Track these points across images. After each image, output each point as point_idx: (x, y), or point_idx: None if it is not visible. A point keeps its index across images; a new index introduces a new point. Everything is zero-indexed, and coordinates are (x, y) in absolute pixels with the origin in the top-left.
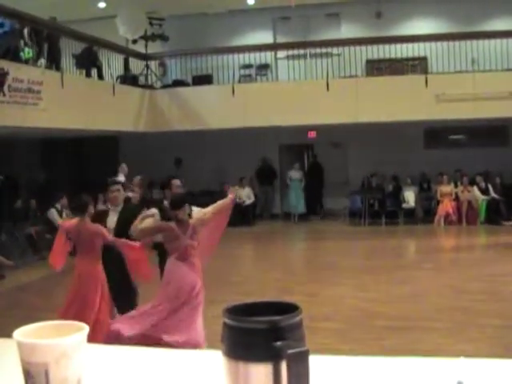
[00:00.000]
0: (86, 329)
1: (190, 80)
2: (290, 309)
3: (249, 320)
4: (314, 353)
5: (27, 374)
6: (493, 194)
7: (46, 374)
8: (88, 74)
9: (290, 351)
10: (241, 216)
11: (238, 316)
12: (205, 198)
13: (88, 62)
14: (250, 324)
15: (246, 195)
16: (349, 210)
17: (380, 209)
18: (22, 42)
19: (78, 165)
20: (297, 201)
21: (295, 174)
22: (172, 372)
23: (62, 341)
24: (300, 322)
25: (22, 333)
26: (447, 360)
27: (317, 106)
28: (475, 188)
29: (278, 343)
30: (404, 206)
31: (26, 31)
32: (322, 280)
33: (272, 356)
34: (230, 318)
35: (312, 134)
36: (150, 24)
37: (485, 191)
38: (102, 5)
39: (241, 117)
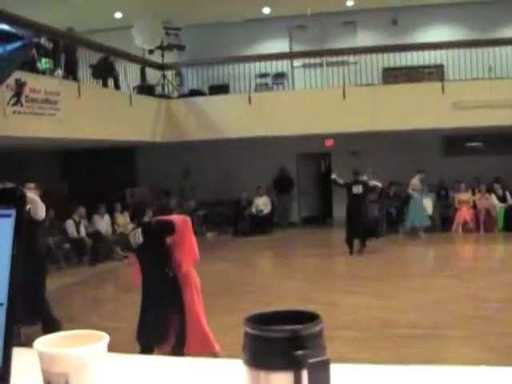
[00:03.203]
0: (106, 338)
1: (206, 89)
2: (310, 317)
3: (270, 329)
4: (333, 361)
5: None
6: (510, 202)
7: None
8: (105, 84)
9: (311, 360)
10: (258, 225)
11: (258, 325)
12: (220, 208)
13: (105, 72)
14: (271, 333)
15: (264, 204)
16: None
17: (398, 217)
18: (36, 52)
19: (96, 176)
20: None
21: None
22: (193, 382)
23: (82, 350)
24: (321, 331)
25: (42, 342)
26: (467, 368)
27: (333, 115)
28: (493, 195)
29: (299, 352)
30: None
31: (42, 42)
32: (340, 288)
33: (293, 365)
34: (251, 327)
35: (329, 143)
36: (167, 34)
37: (502, 199)
38: (118, 15)
39: (257, 126)
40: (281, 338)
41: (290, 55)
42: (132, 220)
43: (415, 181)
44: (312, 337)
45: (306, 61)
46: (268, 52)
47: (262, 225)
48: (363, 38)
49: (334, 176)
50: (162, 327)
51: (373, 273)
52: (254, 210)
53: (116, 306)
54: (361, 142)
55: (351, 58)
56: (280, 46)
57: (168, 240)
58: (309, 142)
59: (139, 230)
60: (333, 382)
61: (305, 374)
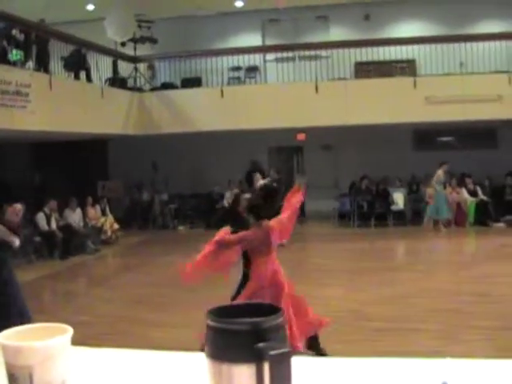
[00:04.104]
0: (70, 331)
1: (178, 82)
2: (272, 310)
3: (232, 322)
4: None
5: (11, 377)
6: (481, 196)
7: (31, 376)
8: (77, 77)
9: (272, 352)
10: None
11: (220, 318)
12: (193, 201)
13: (77, 64)
14: (233, 326)
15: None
16: (338, 212)
17: (369, 211)
18: (7, 44)
19: (68, 168)
20: None
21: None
22: (162, 375)
23: (46, 343)
24: (282, 324)
25: (6, 335)
26: (433, 360)
27: (306, 109)
28: (464, 190)
29: (261, 345)
30: (393, 207)
31: (14, 33)
32: (312, 281)
33: (255, 357)
34: (213, 320)
35: (301, 137)
36: (139, 26)
37: (473, 193)
38: (90, 7)
39: (230, 119)
40: (242, 331)
41: (262, 49)
42: None
43: (440, 173)
44: (273, 329)
45: (279, 55)
46: (241, 46)
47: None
48: (336, 33)
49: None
50: None
51: (344, 266)
52: (225, 203)
53: (88, 300)
54: (333, 136)
55: (324, 53)
56: (253, 39)
57: None
58: (281, 136)
59: None
60: (298, 374)
61: (266, 366)
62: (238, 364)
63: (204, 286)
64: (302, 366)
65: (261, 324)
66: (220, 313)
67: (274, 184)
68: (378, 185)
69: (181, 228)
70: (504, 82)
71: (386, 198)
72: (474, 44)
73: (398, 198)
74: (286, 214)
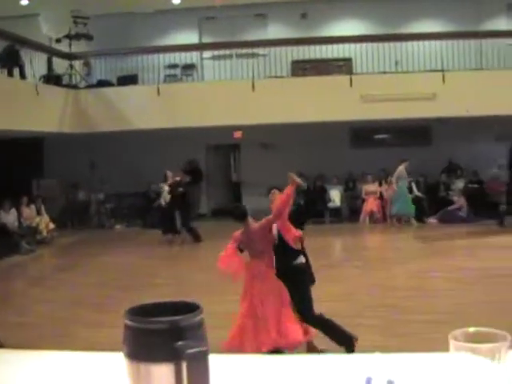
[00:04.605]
0: None
1: (114, 80)
2: (191, 308)
3: (149, 321)
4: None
5: None
6: (416, 193)
7: None
8: (10, 74)
9: (189, 351)
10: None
11: (138, 317)
12: (129, 199)
13: (10, 60)
14: (150, 325)
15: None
16: None
17: (306, 208)
18: None
19: (2, 167)
20: None
21: None
22: (102, 377)
23: None
24: (201, 322)
25: None
26: (362, 355)
27: (243, 107)
28: None
29: (179, 343)
30: (330, 205)
31: None
32: None
33: (173, 356)
34: (131, 319)
35: (238, 135)
36: (75, 23)
37: (409, 190)
38: (24, 2)
39: (166, 117)
40: (160, 330)
41: (199, 46)
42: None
43: (402, 169)
44: (192, 328)
45: (216, 52)
46: (177, 43)
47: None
48: (274, 31)
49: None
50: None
51: None
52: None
53: (26, 301)
54: (270, 134)
55: (261, 51)
56: (190, 37)
57: None
58: (218, 134)
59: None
60: (219, 371)
61: (185, 365)
62: (156, 363)
63: (143, 286)
64: (219, 364)
65: (179, 322)
66: (138, 312)
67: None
68: (314, 182)
69: (117, 227)
70: (438, 80)
71: (323, 195)
72: (410, 43)
73: (335, 196)
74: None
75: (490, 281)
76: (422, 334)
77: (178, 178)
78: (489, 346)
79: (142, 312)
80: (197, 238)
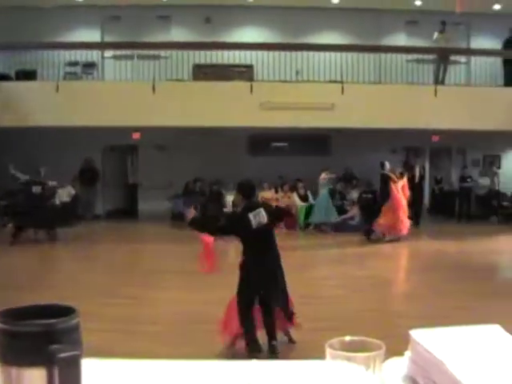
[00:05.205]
0: None
1: (13, 74)
2: (66, 312)
3: (21, 323)
4: (131, 356)
5: None
6: (312, 201)
7: None
8: None
9: (61, 355)
10: (62, 216)
11: (9, 319)
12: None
13: None
14: (23, 328)
15: (67, 195)
16: (172, 214)
17: (202, 213)
18: None
19: None
20: None
21: None
22: None
23: None
24: (76, 326)
25: None
26: (238, 362)
27: (142, 108)
28: (295, 194)
29: (52, 347)
30: (226, 210)
31: None
32: (147, 284)
33: (45, 360)
34: (2, 322)
35: (136, 136)
36: None
37: (304, 198)
38: None
39: (65, 115)
40: (32, 333)
41: (100, 45)
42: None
43: (323, 177)
44: (66, 331)
45: (118, 52)
46: (79, 40)
47: (65, 216)
48: (177, 34)
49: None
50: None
51: (179, 267)
52: (57, 200)
53: None
54: (169, 136)
55: (163, 53)
56: (92, 35)
57: None
58: (117, 135)
59: (262, 210)
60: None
61: (57, 369)
62: (28, 368)
63: (45, 288)
64: (92, 369)
65: (53, 326)
66: (11, 314)
67: None
68: (211, 187)
69: (10, 225)
70: (337, 91)
71: (220, 200)
72: (311, 53)
73: (230, 202)
74: None
75: (374, 289)
76: (315, 341)
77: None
78: (364, 355)
79: (15, 314)
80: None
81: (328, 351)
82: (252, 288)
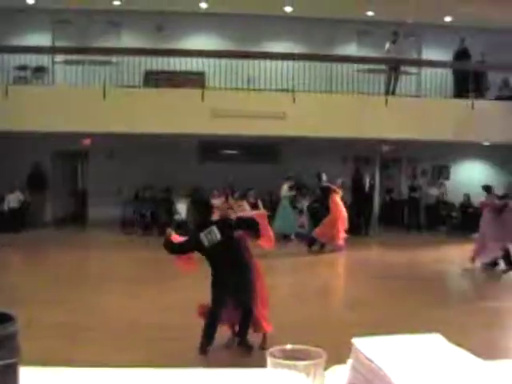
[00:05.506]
0: None
1: None
2: (5, 319)
3: None
4: (72, 364)
5: None
6: (262, 210)
7: None
8: None
9: None
10: (10, 223)
11: None
12: None
13: None
14: None
15: (16, 200)
16: (121, 220)
17: (152, 220)
18: None
19: None
20: None
21: None
22: None
23: None
24: (14, 333)
25: None
26: (176, 370)
27: (93, 114)
28: (245, 202)
29: None
30: (176, 217)
31: None
32: (90, 290)
33: None
34: None
35: (86, 142)
36: None
37: (254, 206)
38: None
39: (14, 119)
40: None
41: (51, 50)
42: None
43: (285, 187)
44: (3, 339)
45: (69, 57)
46: (29, 44)
47: (13, 222)
48: (128, 40)
49: None
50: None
51: (125, 274)
52: (5, 206)
53: None
54: (120, 143)
55: (114, 59)
56: (42, 39)
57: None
58: (66, 140)
59: (214, 228)
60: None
61: None
62: None
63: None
64: (31, 377)
65: None
66: None
67: None
68: (161, 194)
69: None
70: (289, 100)
71: (169, 207)
72: (262, 62)
73: (181, 209)
74: None
75: (323, 298)
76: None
77: None
78: (304, 363)
79: None
80: None
81: (269, 359)
82: (222, 303)
